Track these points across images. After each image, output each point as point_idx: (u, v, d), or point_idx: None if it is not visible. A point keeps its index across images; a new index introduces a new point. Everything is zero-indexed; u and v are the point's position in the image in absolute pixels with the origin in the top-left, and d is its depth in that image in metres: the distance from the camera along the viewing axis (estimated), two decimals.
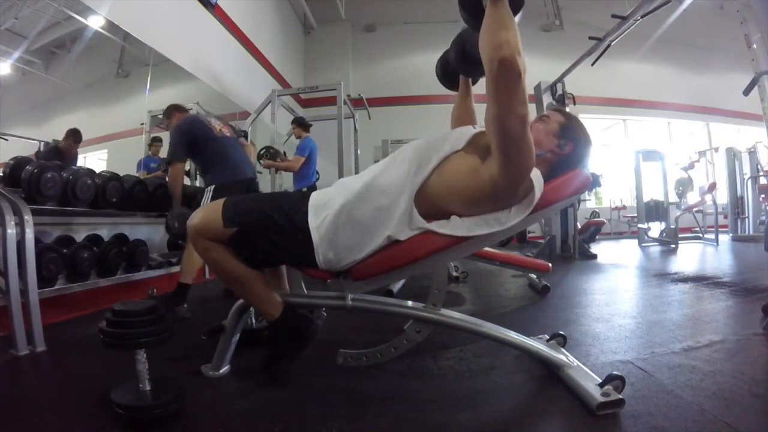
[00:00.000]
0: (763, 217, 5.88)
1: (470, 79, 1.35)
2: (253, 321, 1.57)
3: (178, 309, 2.07)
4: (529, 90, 4.94)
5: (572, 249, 4.45)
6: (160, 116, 3.88)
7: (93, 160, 3.47)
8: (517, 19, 0.88)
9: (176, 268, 3.12)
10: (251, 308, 1.31)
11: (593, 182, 1.18)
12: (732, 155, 6.44)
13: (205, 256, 1.14)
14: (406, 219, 1.01)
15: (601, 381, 1.01)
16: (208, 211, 1.14)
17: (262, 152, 4.20)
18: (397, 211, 1.01)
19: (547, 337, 1.38)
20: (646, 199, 6.07)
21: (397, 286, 2.47)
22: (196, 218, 1.14)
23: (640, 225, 5.89)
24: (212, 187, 2.22)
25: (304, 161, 3.97)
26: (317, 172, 4.32)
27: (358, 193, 1.06)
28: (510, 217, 0.97)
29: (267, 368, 1.21)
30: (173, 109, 2.53)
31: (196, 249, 1.16)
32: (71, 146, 2.96)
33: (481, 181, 0.95)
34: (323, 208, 1.07)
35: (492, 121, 0.87)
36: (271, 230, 1.08)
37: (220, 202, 1.14)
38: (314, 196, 1.13)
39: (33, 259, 1.62)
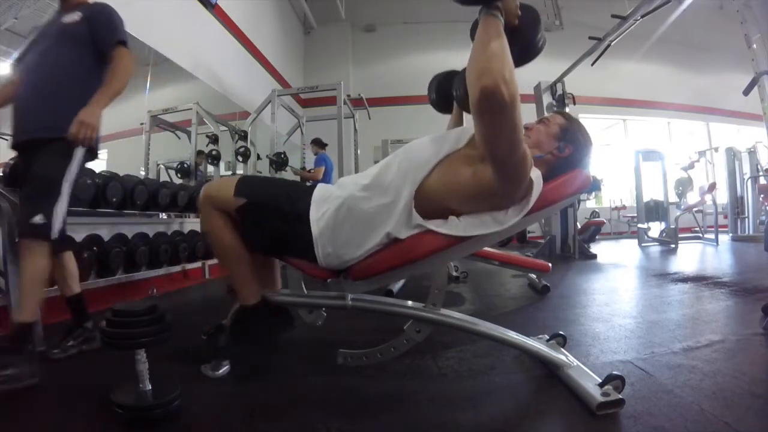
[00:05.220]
0: (763, 217, 5.88)
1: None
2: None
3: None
4: (529, 90, 4.89)
5: (572, 249, 4.45)
6: (160, 116, 3.88)
7: None
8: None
9: (176, 268, 3.12)
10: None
11: (593, 186, 1.18)
12: (732, 155, 6.44)
13: (208, 223, 1.18)
14: (405, 216, 1.01)
15: (601, 381, 1.01)
16: (223, 181, 1.21)
17: (274, 158, 4.37)
18: (397, 208, 1.02)
19: (547, 337, 1.38)
20: (646, 199, 6.06)
21: (397, 286, 2.47)
22: (210, 186, 1.21)
23: (640, 225, 5.88)
24: None
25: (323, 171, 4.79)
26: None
27: (359, 190, 1.08)
28: (508, 217, 0.98)
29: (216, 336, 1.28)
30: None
31: (202, 216, 1.21)
32: None
33: (480, 182, 0.95)
34: (324, 202, 1.10)
35: (482, 142, 0.88)
36: (275, 213, 1.11)
37: (237, 176, 1.20)
38: (318, 190, 1.16)
39: None
